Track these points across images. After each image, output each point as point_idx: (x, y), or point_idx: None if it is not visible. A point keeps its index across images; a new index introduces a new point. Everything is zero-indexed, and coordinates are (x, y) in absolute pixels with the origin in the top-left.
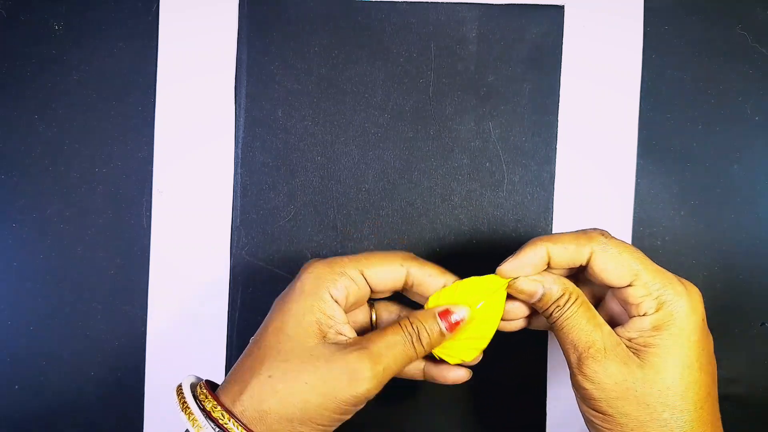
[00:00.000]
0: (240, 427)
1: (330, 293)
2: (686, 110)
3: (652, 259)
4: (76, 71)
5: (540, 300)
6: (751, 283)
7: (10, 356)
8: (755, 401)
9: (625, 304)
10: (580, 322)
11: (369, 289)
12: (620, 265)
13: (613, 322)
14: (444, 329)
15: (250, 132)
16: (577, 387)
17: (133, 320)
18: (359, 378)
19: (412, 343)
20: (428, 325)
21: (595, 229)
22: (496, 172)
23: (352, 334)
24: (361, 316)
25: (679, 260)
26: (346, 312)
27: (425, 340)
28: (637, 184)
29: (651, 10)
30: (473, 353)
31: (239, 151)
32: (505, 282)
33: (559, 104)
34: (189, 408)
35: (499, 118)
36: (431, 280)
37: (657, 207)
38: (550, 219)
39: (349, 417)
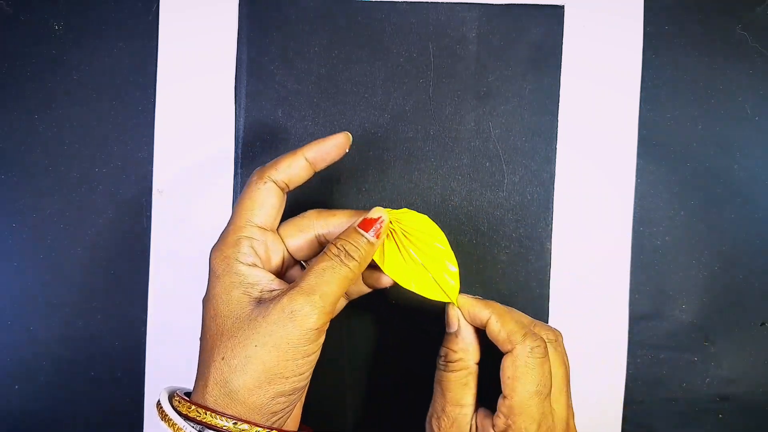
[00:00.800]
0: (218, 416)
1: (240, 262)
2: (686, 110)
3: (652, 260)
4: (76, 71)
5: (447, 335)
6: (751, 283)
7: (10, 356)
8: (755, 401)
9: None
10: (451, 389)
11: (279, 237)
12: (512, 380)
13: None
14: (369, 238)
15: (250, 132)
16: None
17: (133, 320)
18: (299, 315)
19: (342, 262)
20: (352, 239)
21: (536, 338)
22: (496, 172)
23: (285, 285)
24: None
25: (679, 260)
26: (277, 269)
27: (355, 253)
28: (637, 184)
29: (651, 10)
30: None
31: (239, 151)
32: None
33: (559, 104)
34: (168, 415)
35: (499, 118)
36: (340, 217)
37: (657, 207)
38: (550, 219)
39: (314, 357)
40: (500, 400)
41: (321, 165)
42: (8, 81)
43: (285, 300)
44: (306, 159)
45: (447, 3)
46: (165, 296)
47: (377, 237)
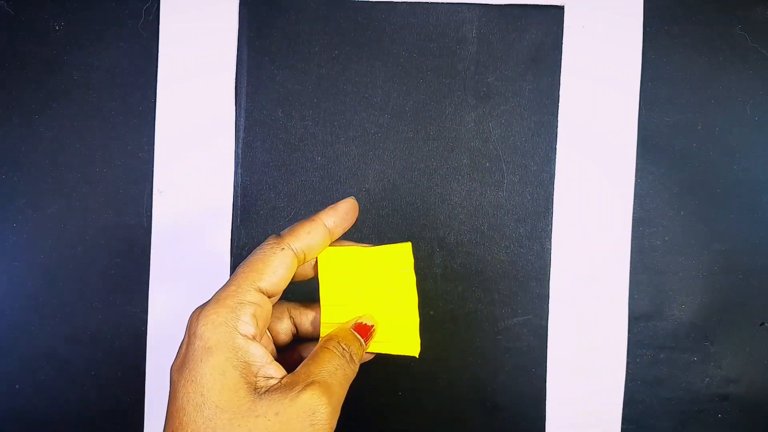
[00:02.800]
0: None
1: (240, 333)
2: (686, 110)
3: (652, 260)
4: (76, 71)
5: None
6: (751, 283)
7: (10, 356)
8: (755, 401)
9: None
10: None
11: (269, 302)
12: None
13: None
14: (362, 341)
15: (250, 132)
16: None
17: (133, 320)
18: (319, 417)
19: (348, 363)
20: (352, 342)
21: (353, 341)
22: (496, 172)
23: (282, 372)
24: (279, 331)
25: (679, 260)
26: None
27: (357, 356)
28: (637, 184)
29: (651, 10)
30: (408, 341)
31: (239, 151)
32: (408, 250)
33: (559, 104)
34: None
35: (499, 118)
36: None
37: (657, 207)
38: (550, 219)
39: None
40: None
41: (338, 233)
42: (8, 81)
43: (304, 397)
44: (325, 226)
45: (447, 3)
46: (165, 296)
47: (366, 341)
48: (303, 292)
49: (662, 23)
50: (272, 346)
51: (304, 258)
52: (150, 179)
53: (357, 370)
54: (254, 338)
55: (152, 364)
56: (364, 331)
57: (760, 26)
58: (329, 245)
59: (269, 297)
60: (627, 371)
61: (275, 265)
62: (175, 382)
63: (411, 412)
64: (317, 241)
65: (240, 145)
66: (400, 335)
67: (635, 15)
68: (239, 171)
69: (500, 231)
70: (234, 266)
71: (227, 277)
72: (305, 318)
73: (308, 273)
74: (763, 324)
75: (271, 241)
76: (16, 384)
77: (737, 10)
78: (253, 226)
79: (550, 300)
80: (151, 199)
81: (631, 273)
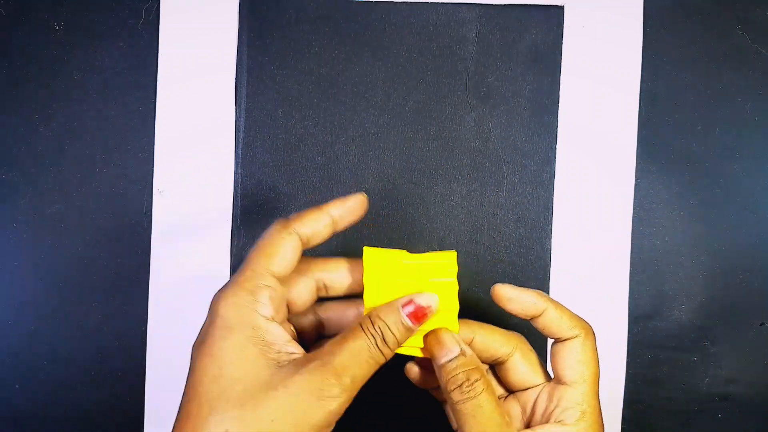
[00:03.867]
0: None
1: (260, 314)
2: (686, 110)
3: (652, 260)
4: (76, 71)
5: (451, 361)
6: (751, 283)
7: (10, 356)
8: (755, 401)
9: (540, 405)
10: (491, 410)
11: (281, 286)
12: (580, 364)
13: None
14: (410, 324)
15: (250, 132)
16: None
17: (133, 320)
18: (327, 396)
19: (377, 346)
20: (392, 322)
21: (588, 323)
22: (496, 172)
23: (300, 350)
24: (306, 322)
25: (679, 260)
26: (282, 325)
27: (390, 339)
28: (637, 184)
29: (651, 10)
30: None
31: (239, 151)
32: (453, 258)
33: (559, 104)
34: None
35: (499, 118)
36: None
37: (657, 207)
38: (550, 219)
39: None
40: (565, 392)
41: (342, 225)
42: (8, 81)
43: (314, 375)
44: (331, 216)
45: (447, 3)
46: (165, 296)
47: (418, 324)
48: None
49: (662, 23)
50: (292, 330)
51: (308, 243)
52: (150, 179)
53: (391, 354)
54: (273, 319)
55: (152, 364)
56: (418, 312)
57: (760, 26)
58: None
59: (282, 279)
60: (627, 371)
61: (284, 250)
62: (194, 359)
63: (411, 412)
64: (321, 229)
65: (240, 145)
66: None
67: (635, 15)
68: (239, 171)
69: (500, 231)
70: (234, 267)
71: (227, 277)
72: (336, 273)
73: (344, 282)
74: (763, 324)
75: (278, 225)
76: (16, 384)
77: (737, 10)
78: (253, 226)
79: None
80: (151, 199)
81: (631, 273)
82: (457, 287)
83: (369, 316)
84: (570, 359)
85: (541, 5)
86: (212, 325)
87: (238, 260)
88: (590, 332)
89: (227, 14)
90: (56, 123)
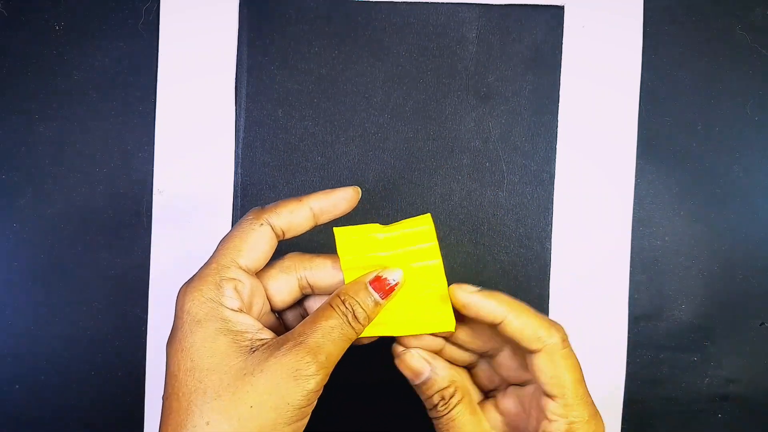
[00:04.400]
0: None
1: (226, 306)
2: (686, 110)
3: (652, 260)
4: (76, 71)
5: (424, 383)
6: (751, 283)
7: (10, 356)
8: (755, 401)
9: (535, 408)
10: (466, 423)
11: (250, 277)
12: (557, 377)
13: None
14: (379, 299)
15: (250, 132)
16: None
17: (133, 320)
18: (304, 375)
19: (349, 323)
20: (361, 299)
21: (555, 325)
22: (496, 172)
23: (272, 334)
24: (292, 318)
25: (679, 260)
26: (257, 317)
27: (361, 315)
28: (637, 184)
29: (651, 10)
30: (441, 317)
31: (239, 151)
32: (429, 224)
33: (559, 104)
34: None
35: (499, 118)
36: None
37: (657, 207)
38: (550, 219)
39: (306, 421)
40: (547, 404)
41: (325, 218)
42: (8, 81)
43: (289, 357)
44: (311, 209)
45: (447, 3)
46: (165, 296)
47: (385, 298)
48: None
49: (662, 23)
50: (268, 317)
51: (283, 236)
52: (150, 179)
53: (362, 329)
54: (241, 310)
55: (152, 364)
56: (381, 285)
57: (760, 26)
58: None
59: (251, 271)
60: (627, 371)
61: (253, 242)
62: (168, 355)
63: (411, 411)
64: (298, 221)
65: (240, 145)
66: (432, 313)
67: (635, 15)
68: (239, 171)
69: (500, 231)
70: None
71: None
72: (320, 271)
73: (330, 281)
74: (763, 324)
75: (251, 215)
76: (16, 384)
77: (737, 10)
78: None
79: (550, 300)
80: (151, 199)
81: (631, 273)
82: (438, 250)
83: (338, 294)
84: (544, 373)
85: (541, 5)
86: (180, 320)
87: None
88: (559, 338)
89: (227, 14)
90: (56, 123)
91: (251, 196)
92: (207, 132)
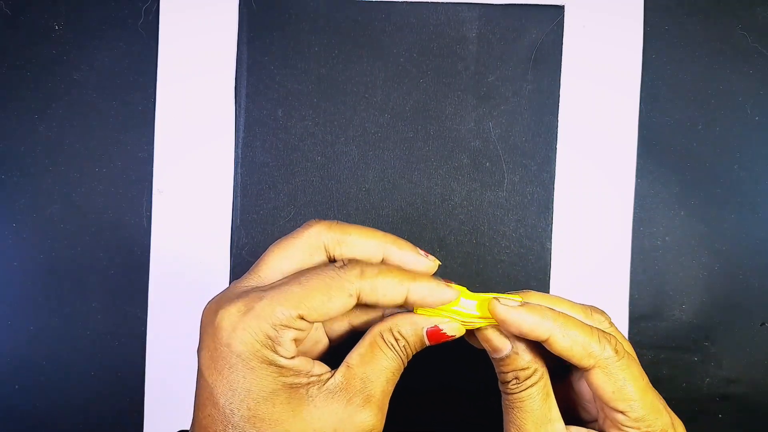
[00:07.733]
0: None
1: (279, 355)
2: (686, 110)
3: (652, 260)
4: (76, 71)
5: (502, 360)
6: (751, 283)
7: (10, 356)
8: (755, 401)
9: (604, 416)
10: (534, 408)
11: (311, 326)
12: (619, 391)
13: (572, 406)
14: (428, 343)
15: (250, 132)
16: None
17: (133, 320)
18: (360, 421)
19: (399, 358)
20: (413, 342)
21: (606, 335)
22: (496, 172)
23: (325, 368)
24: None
25: (679, 260)
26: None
27: (410, 353)
28: (637, 184)
29: (651, 10)
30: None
31: (239, 151)
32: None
33: (559, 104)
34: None
35: (499, 118)
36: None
37: (657, 207)
38: (550, 219)
39: None
40: (617, 416)
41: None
42: (8, 81)
43: (364, 416)
44: (407, 297)
45: (447, 3)
46: (165, 296)
47: (432, 344)
48: None
49: (662, 23)
50: (323, 340)
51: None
52: (150, 179)
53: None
54: (294, 357)
55: (152, 365)
56: (439, 338)
57: (760, 26)
58: None
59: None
60: None
61: (333, 308)
62: (209, 379)
63: (410, 412)
64: (390, 299)
65: (240, 145)
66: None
67: (635, 15)
68: (239, 171)
69: (500, 231)
70: (234, 267)
71: (227, 277)
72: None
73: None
74: (763, 324)
75: (344, 274)
76: (16, 384)
77: (737, 10)
78: (253, 226)
79: None
80: (151, 199)
81: (631, 273)
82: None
83: (391, 332)
84: (604, 389)
85: (541, 5)
86: (219, 348)
87: (238, 260)
88: (611, 349)
89: (227, 14)
90: (56, 123)
91: (251, 196)
92: (207, 132)
